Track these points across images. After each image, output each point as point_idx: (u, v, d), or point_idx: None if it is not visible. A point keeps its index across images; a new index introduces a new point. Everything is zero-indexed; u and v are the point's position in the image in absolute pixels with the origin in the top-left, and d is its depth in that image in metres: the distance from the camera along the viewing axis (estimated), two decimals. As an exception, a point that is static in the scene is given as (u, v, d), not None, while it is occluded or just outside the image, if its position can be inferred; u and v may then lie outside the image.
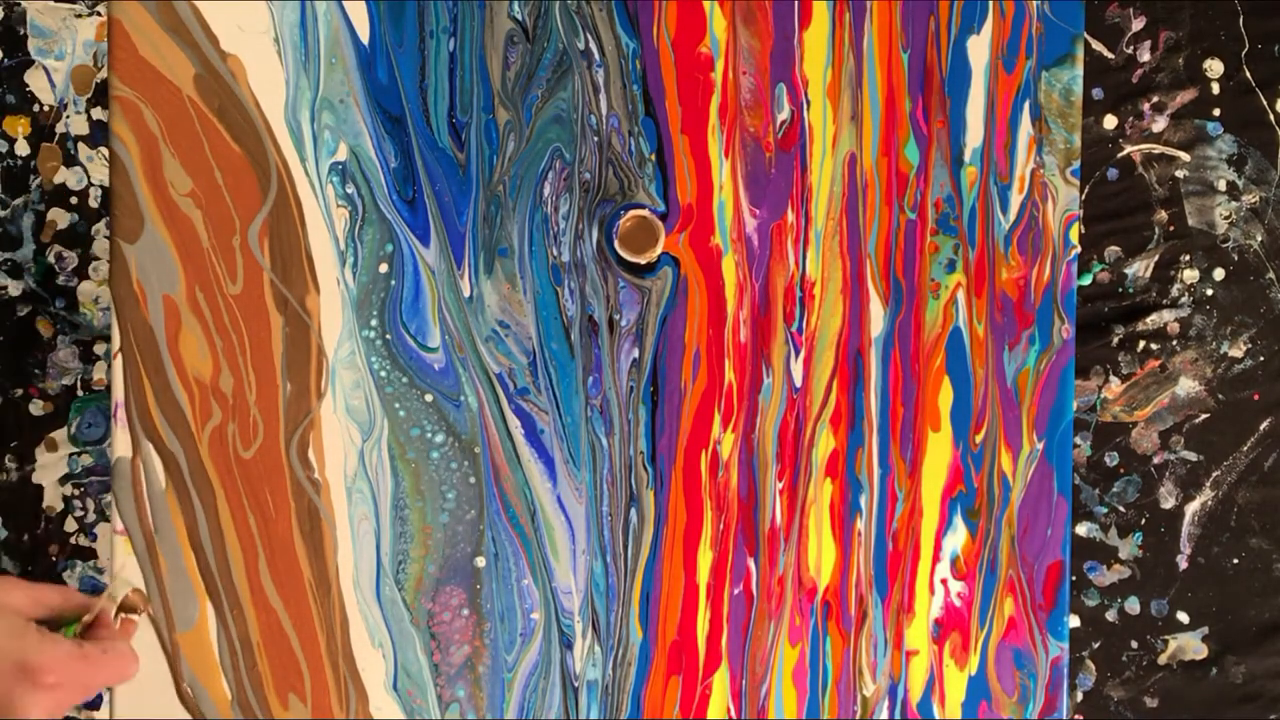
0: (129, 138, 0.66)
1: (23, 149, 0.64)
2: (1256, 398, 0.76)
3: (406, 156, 0.68)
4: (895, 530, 0.73)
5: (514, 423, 0.69)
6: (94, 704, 0.65)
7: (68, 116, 0.62)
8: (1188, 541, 0.76)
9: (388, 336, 0.68)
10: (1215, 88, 0.75)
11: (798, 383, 0.72)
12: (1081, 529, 0.74)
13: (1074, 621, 0.74)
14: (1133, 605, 0.75)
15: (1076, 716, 0.75)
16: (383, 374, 0.68)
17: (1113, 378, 0.75)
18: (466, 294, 0.69)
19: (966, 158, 0.73)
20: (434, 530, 0.69)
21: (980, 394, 0.74)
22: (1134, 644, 0.76)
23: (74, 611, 0.54)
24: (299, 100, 0.67)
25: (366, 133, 0.67)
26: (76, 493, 0.66)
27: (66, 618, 0.54)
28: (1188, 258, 0.75)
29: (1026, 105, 0.73)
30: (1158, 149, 0.74)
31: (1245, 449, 0.77)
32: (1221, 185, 0.75)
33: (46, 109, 0.63)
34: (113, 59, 0.65)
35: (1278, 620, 0.77)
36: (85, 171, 0.65)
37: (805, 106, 0.71)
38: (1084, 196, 0.73)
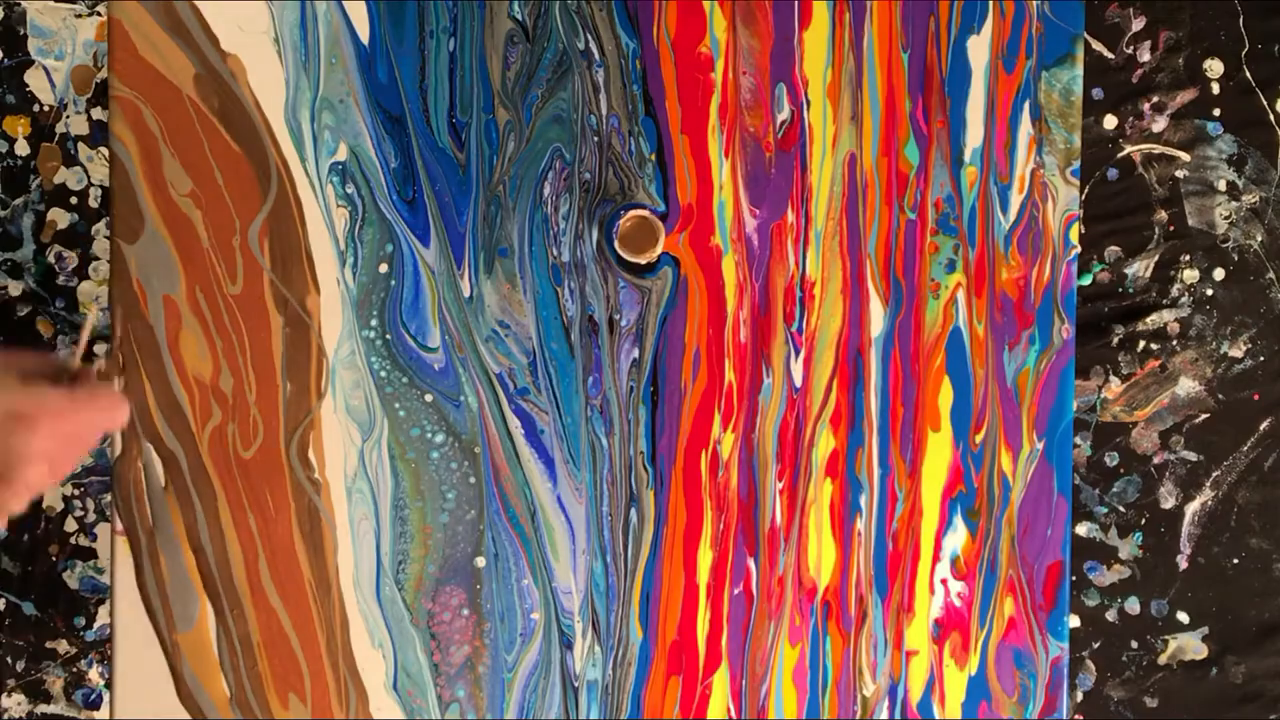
0: (129, 138, 0.66)
1: (23, 149, 0.64)
2: (1256, 398, 0.76)
3: (406, 156, 0.68)
4: (895, 530, 0.73)
5: (514, 423, 0.69)
6: (94, 704, 0.65)
7: (68, 116, 0.62)
8: (1188, 541, 0.76)
9: (388, 336, 0.68)
10: (1215, 88, 0.75)
11: (798, 383, 0.72)
12: (1081, 529, 0.74)
13: (1074, 621, 0.74)
14: (1133, 605, 0.75)
15: (1076, 716, 0.75)
16: (383, 374, 0.68)
17: (1113, 378, 0.75)
18: (466, 294, 0.69)
19: (966, 158, 0.73)
20: (434, 530, 0.69)
21: (980, 394, 0.74)
22: (1134, 644, 0.76)
23: (52, 370, 0.53)
24: (299, 100, 0.67)
25: (366, 133, 0.67)
26: (76, 493, 0.66)
27: (54, 376, 0.53)
28: (1188, 258, 0.75)
29: (1026, 105, 0.73)
30: (1158, 149, 0.74)
31: (1245, 449, 0.77)
32: (1221, 185, 0.75)
33: (46, 109, 0.63)
34: (113, 59, 0.65)
35: (1278, 620, 0.77)
36: (85, 171, 0.65)
37: (805, 106, 0.71)
38: (1084, 196, 0.73)
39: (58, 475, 0.52)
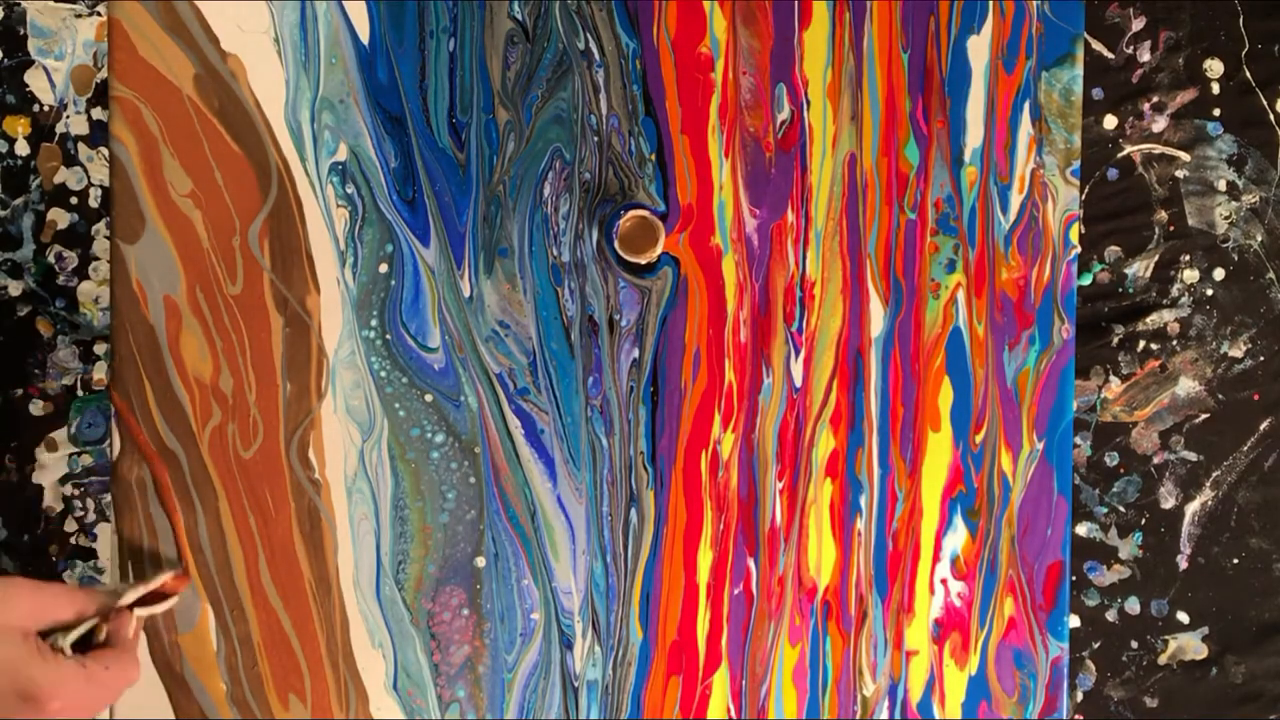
0: (129, 138, 0.66)
1: (23, 149, 0.64)
2: (1256, 398, 0.76)
3: (406, 156, 0.68)
4: (895, 530, 0.73)
5: (514, 423, 0.69)
6: (94, 704, 0.65)
7: (68, 116, 0.62)
8: (1188, 541, 0.76)
9: (388, 336, 0.68)
10: (1215, 88, 0.75)
11: (798, 383, 0.72)
12: (1081, 529, 0.74)
13: (1074, 621, 0.74)
14: (1133, 605, 0.75)
15: (1076, 716, 0.75)
16: (383, 374, 0.68)
17: (1113, 378, 0.75)
18: (466, 294, 0.69)
19: (966, 158, 0.73)
20: (434, 530, 0.69)
21: (980, 394, 0.74)
22: (1134, 644, 0.76)
23: (79, 621, 0.52)
24: (299, 100, 0.67)
25: (366, 133, 0.67)
26: (76, 493, 0.66)
27: (77, 623, 0.52)
28: (1188, 258, 0.75)
29: (1026, 105, 0.73)
30: (1158, 149, 0.74)
31: (1245, 449, 0.77)
32: (1221, 185, 0.75)
33: (46, 109, 0.63)
34: (112, 59, 0.65)
35: (1278, 620, 0.77)
36: (85, 171, 0.65)
37: (805, 106, 0.71)
38: (1084, 196, 0.73)
39: None
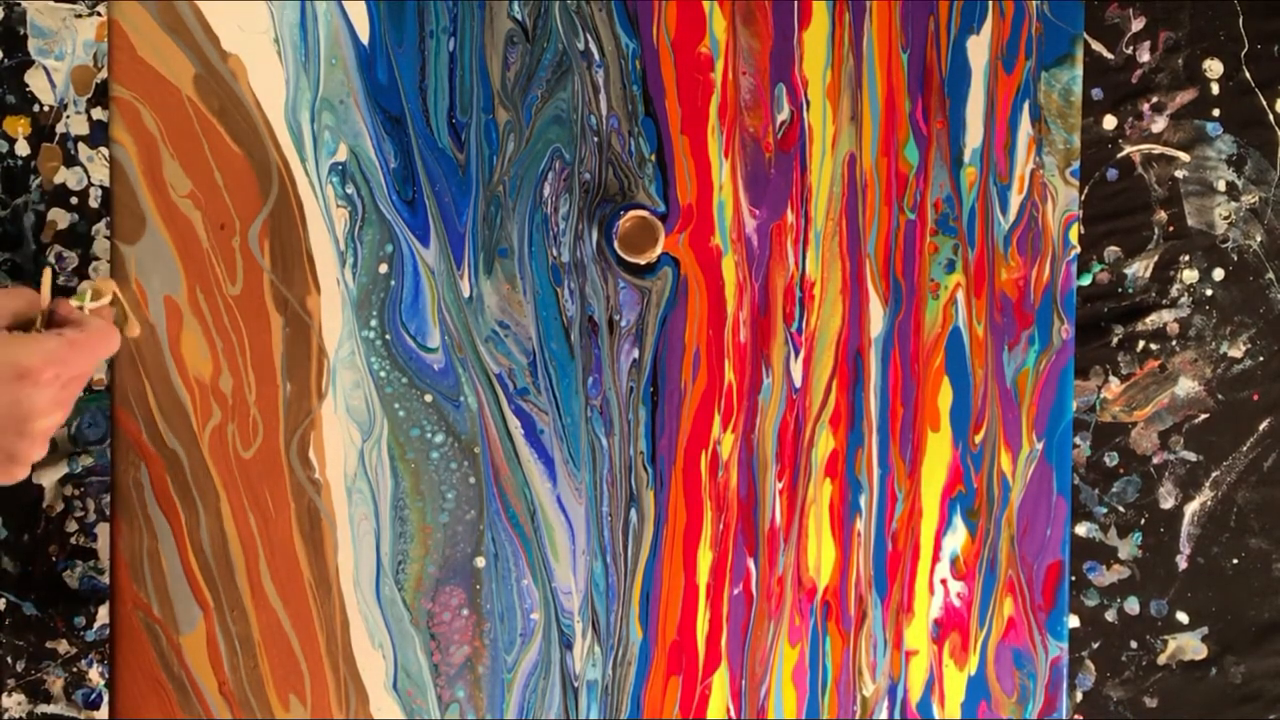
0: (128, 140, 0.66)
1: (23, 149, 0.64)
2: (1256, 398, 0.76)
3: (406, 157, 0.68)
4: (895, 530, 0.73)
5: (514, 423, 0.69)
6: (94, 704, 0.65)
7: (68, 116, 0.62)
8: (1187, 541, 0.76)
9: (387, 337, 0.68)
10: (1215, 88, 0.75)
11: (797, 383, 0.72)
12: (1081, 529, 0.74)
13: (1073, 621, 0.74)
14: (1132, 605, 0.75)
15: (1076, 716, 0.75)
16: (382, 374, 0.68)
17: (1112, 378, 0.75)
18: (466, 294, 0.69)
19: (966, 158, 0.73)
20: (434, 530, 0.69)
21: (980, 394, 0.74)
22: (1134, 644, 0.76)
23: (37, 309, 0.54)
24: (299, 100, 0.67)
25: (366, 133, 0.67)
26: (76, 493, 0.66)
27: (32, 315, 0.54)
28: (1187, 258, 0.75)
29: (1026, 105, 0.73)
30: (1157, 149, 0.74)
31: (1245, 449, 0.77)
32: (1221, 185, 0.75)
33: (46, 109, 0.63)
34: (112, 60, 0.65)
35: (1278, 620, 0.77)
36: (85, 171, 0.65)
37: (805, 107, 0.71)
38: (1083, 196, 0.73)
39: (66, 414, 0.54)
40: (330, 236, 0.67)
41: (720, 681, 0.72)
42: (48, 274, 0.56)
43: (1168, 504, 0.76)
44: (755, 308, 0.72)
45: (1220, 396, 0.76)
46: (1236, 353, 0.76)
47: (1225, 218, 0.75)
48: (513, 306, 0.69)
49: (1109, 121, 0.75)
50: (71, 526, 0.66)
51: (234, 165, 0.66)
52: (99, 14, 0.65)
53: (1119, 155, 0.75)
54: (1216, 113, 0.75)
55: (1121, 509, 0.76)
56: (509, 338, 0.69)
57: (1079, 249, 0.74)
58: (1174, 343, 0.75)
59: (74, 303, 0.56)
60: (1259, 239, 0.75)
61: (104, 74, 0.65)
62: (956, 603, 0.74)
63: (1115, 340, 0.75)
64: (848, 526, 0.73)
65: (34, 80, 0.66)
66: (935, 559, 0.74)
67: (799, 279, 0.72)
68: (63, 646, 0.66)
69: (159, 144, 0.66)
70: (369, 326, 0.68)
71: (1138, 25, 0.74)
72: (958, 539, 0.74)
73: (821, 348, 0.72)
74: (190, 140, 0.66)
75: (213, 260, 0.66)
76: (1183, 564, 0.76)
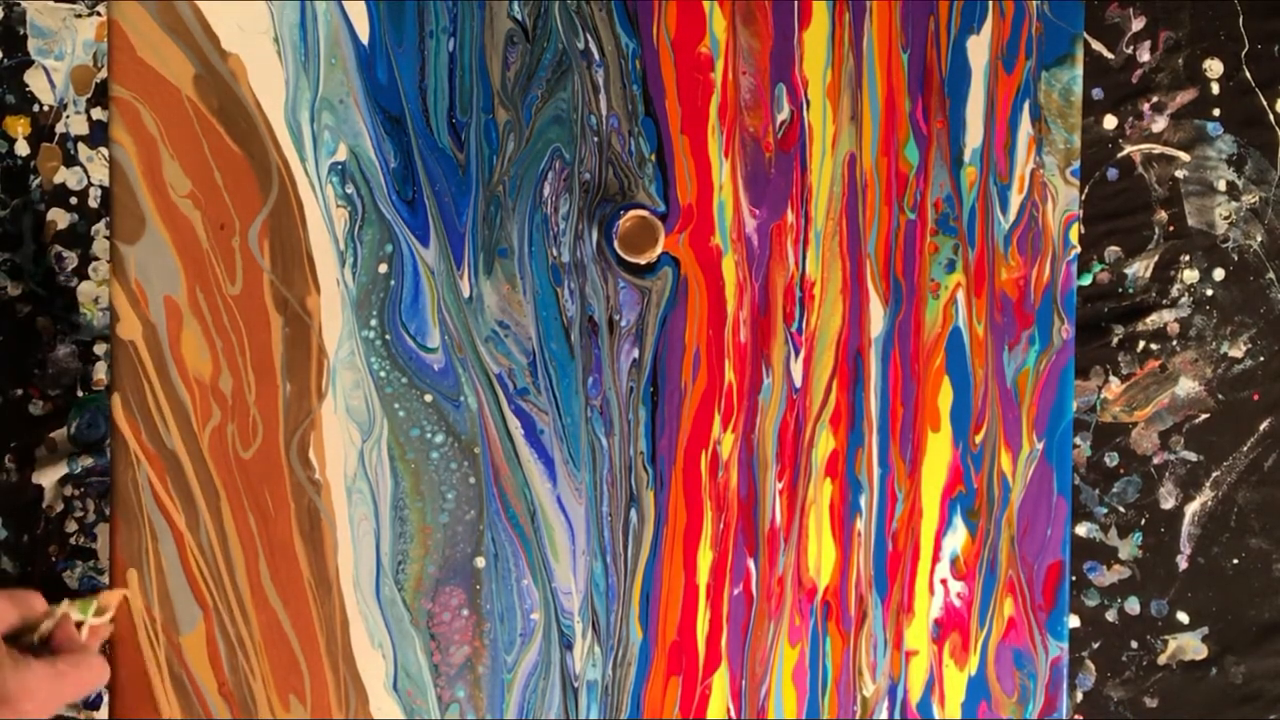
0: (127, 140, 0.66)
1: (23, 149, 0.64)
2: (1256, 398, 0.76)
3: (406, 156, 0.68)
4: (895, 530, 0.73)
5: (514, 423, 0.69)
6: (94, 704, 0.65)
7: (68, 116, 0.62)
8: (1188, 542, 0.76)
9: (387, 337, 0.68)
10: (1215, 88, 0.75)
11: (798, 383, 0.72)
12: (1081, 529, 0.74)
13: (1074, 621, 0.74)
14: (1133, 605, 0.75)
15: (1076, 716, 0.75)
16: (382, 374, 0.68)
17: (1113, 378, 0.75)
18: (466, 294, 0.69)
19: (966, 158, 0.73)
20: (434, 530, 0.69)
21: (980, 394, 0.74)
22: (1134, 644, 0.76)
23: (37, 620, 0.54)
24: (299, 100, 0.67)
25: (366, 133, 0.67)
26: (76, 493, 0.66)
27: (30, 625, 0.54)
28: (1188, 258, 0.75)
29: (1026, 105, 0.73)
30: (1158, 149, 0.75)
31: (1245, 449, 0.77)
32: (1221, 185, 0.75)
33: (46, 109, 0.63)
34: (112, 59, 0.65)
35: (1278, 620, 0.77)
36: (85, 171, 0.65)
37: (805, 106, 0.71)
38: (1084, 196, 0.73)
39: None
40: (330, 236, 0.67)
41: (720, 682, 0.72)
42: (64, 606, 0.55)
43: (1168, 504, 0.76)
44: (755, 308, 0.71)
45: (1221, 396, 0.76)
46: (1237, 353, 0.76)
47: (1225, 217, 0.75)
48: (513, 306, 0.69)
49: (1109, 121, 0.75)
50: (71, 527, 0.66)
51: (234, 165, 0.66)
52: (99, 14, 0.65)
53: (1119, 155, 0.75)
54: (1217, 112, 0.75)
55: (1122, 509, 0.76)
56: (509, 338, 0.69)
57: (1079, 249, 0.74)
58: (1174, 343, 0.75)
59: (76, 615, 0.55)
60: (1259, 239, 0.75)
61: (104, 74, 0.65)
62: (957, 603, 0.74)
63: (1115, 340, 0.75)
64: (848, 526, 0.73)
65: (34, 80, 0.66)
66: (935, 559, 0.74)
67: (799, 279, 0.72)
68: (63, 647, 0.66)
69: (159, 144, 0.66)
70: (369, 326, 0.68)
71: (1138, 25, 0.74)
72: (958, 539, 0.74)
73: (821, 348, 0.72)
74: (190, 140, 0.66)
75: (212, 260, 0.66)
76: (1183, 564, 0.76)
